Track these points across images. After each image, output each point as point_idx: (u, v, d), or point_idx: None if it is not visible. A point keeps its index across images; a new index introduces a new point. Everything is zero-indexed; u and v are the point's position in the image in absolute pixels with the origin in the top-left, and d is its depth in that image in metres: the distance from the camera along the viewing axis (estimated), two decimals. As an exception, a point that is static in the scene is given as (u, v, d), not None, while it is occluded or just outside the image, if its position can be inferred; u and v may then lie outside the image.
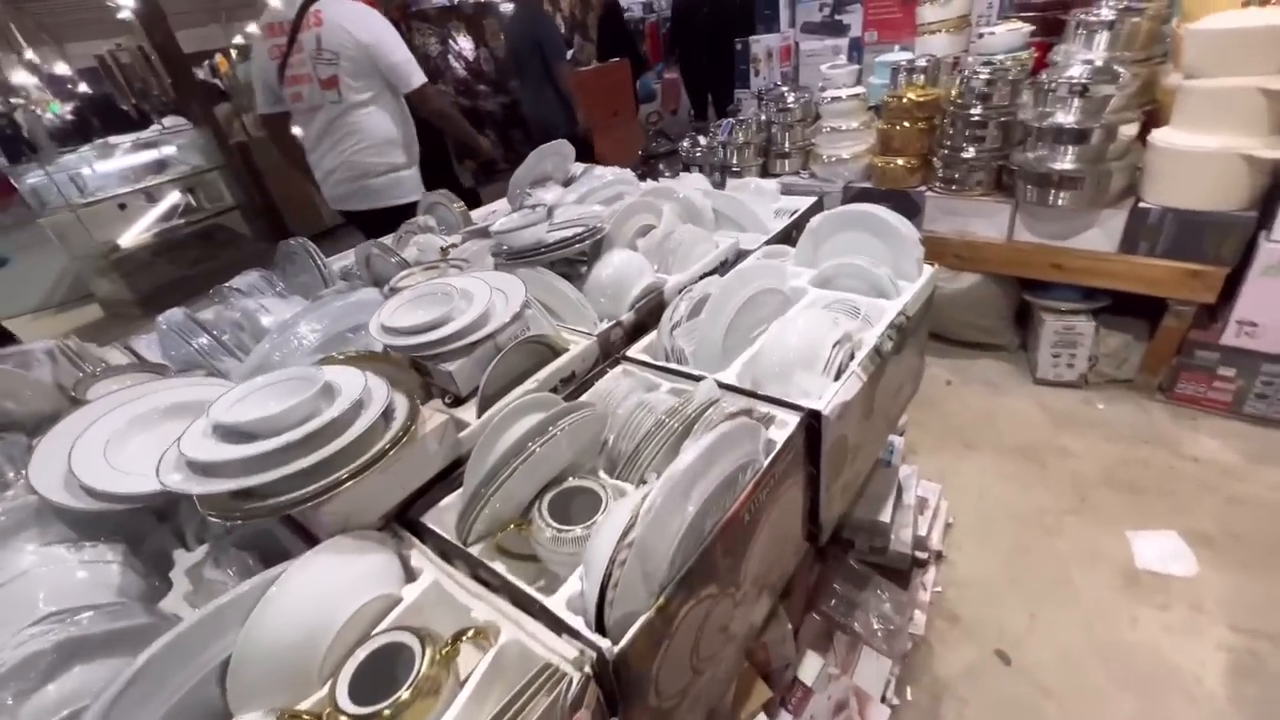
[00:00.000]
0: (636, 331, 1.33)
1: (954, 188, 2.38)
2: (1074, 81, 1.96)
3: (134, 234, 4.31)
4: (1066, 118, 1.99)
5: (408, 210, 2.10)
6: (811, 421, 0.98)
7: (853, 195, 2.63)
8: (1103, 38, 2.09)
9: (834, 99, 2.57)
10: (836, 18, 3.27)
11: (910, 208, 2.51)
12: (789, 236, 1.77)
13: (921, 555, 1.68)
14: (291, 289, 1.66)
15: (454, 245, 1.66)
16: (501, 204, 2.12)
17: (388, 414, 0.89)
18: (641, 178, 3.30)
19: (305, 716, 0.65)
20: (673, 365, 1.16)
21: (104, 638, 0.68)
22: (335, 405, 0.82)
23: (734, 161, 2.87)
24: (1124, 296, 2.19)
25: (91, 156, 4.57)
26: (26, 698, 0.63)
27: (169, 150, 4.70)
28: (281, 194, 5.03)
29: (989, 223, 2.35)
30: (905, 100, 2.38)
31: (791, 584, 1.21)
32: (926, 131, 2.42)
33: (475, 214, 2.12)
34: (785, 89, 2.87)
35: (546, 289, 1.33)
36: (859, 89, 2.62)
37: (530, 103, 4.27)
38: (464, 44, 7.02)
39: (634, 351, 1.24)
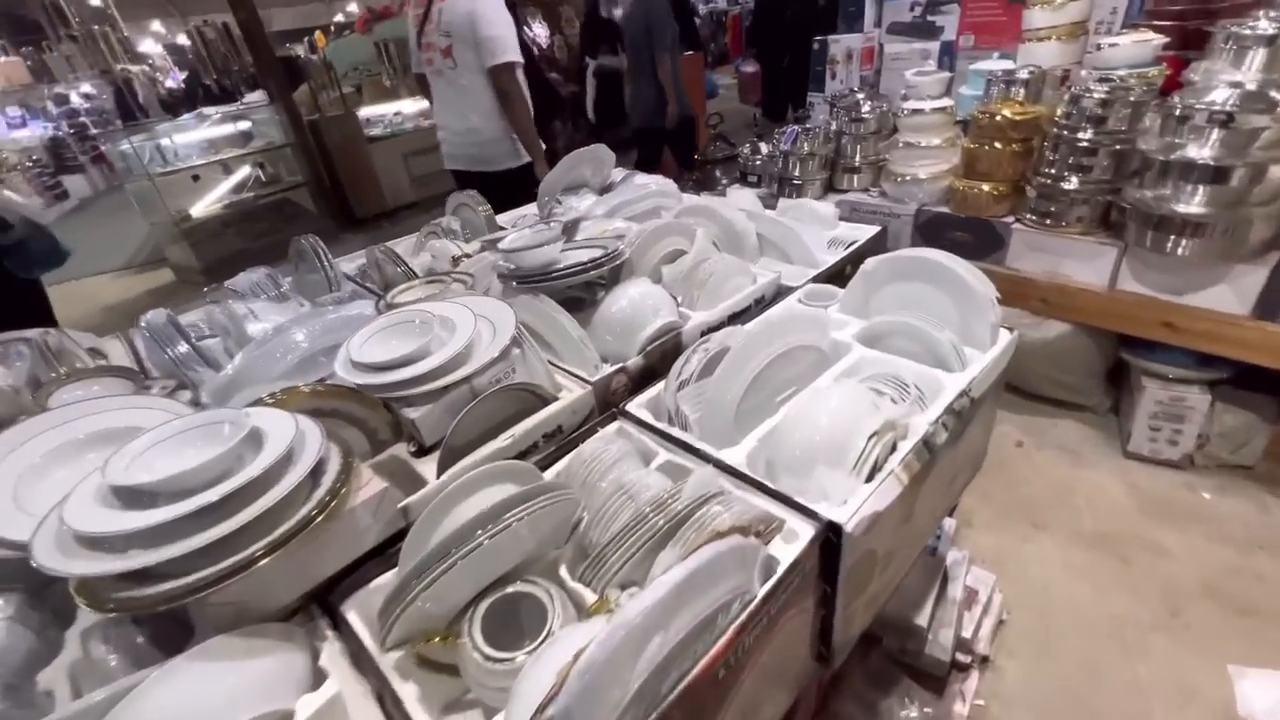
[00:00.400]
0: (646, 378, 1.16)
1: (1048, 222, 2.06)
2: (1216, 108, 1.61)
3: (205, 204, 4.49)
4: (1202, 151, 1.65)
5: (514, 175, 2.42)
6: (830, 536, 0.78)
7: (926, 220, 2.34)
8: (1257, 56, 1.72)
9: (914, 111, 2.28)
10: (929, 18, 2.94)
11: (992, 240, 2.20)
12: (842, 272, 1.54)
13: (964, 659, 1.43)
14: (301, 287, 1.58)
15: (466, 256, 1.53)
16: (532, 209, 1.99)
17: (317, 472, 0.76)
18: (696, 184, 3.12)
19: None
20: (674, 432, 0.98)
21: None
22: (243, 472, 0.69)
23: (795, 173, 2.62)
24: (1251, 369, 1.82)
25: (174, 128, 4.79)
26: None
27: (244, 125, 4.88)
28: (347, 173, 5.12)
29: (1087, 266, 2.02)
30: (999, 117, 2.08)
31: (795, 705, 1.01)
32: (1021, 155, 2.10)
33: (504, 217, 2.00)
34: (861, 96, 2.59)
35: (546, 322, 1.17)
36: (945, 101, 2.31)
37: (631, 93, 4.16)
38: (539, 30, 6.95)
39: (637, 404, 1.06)
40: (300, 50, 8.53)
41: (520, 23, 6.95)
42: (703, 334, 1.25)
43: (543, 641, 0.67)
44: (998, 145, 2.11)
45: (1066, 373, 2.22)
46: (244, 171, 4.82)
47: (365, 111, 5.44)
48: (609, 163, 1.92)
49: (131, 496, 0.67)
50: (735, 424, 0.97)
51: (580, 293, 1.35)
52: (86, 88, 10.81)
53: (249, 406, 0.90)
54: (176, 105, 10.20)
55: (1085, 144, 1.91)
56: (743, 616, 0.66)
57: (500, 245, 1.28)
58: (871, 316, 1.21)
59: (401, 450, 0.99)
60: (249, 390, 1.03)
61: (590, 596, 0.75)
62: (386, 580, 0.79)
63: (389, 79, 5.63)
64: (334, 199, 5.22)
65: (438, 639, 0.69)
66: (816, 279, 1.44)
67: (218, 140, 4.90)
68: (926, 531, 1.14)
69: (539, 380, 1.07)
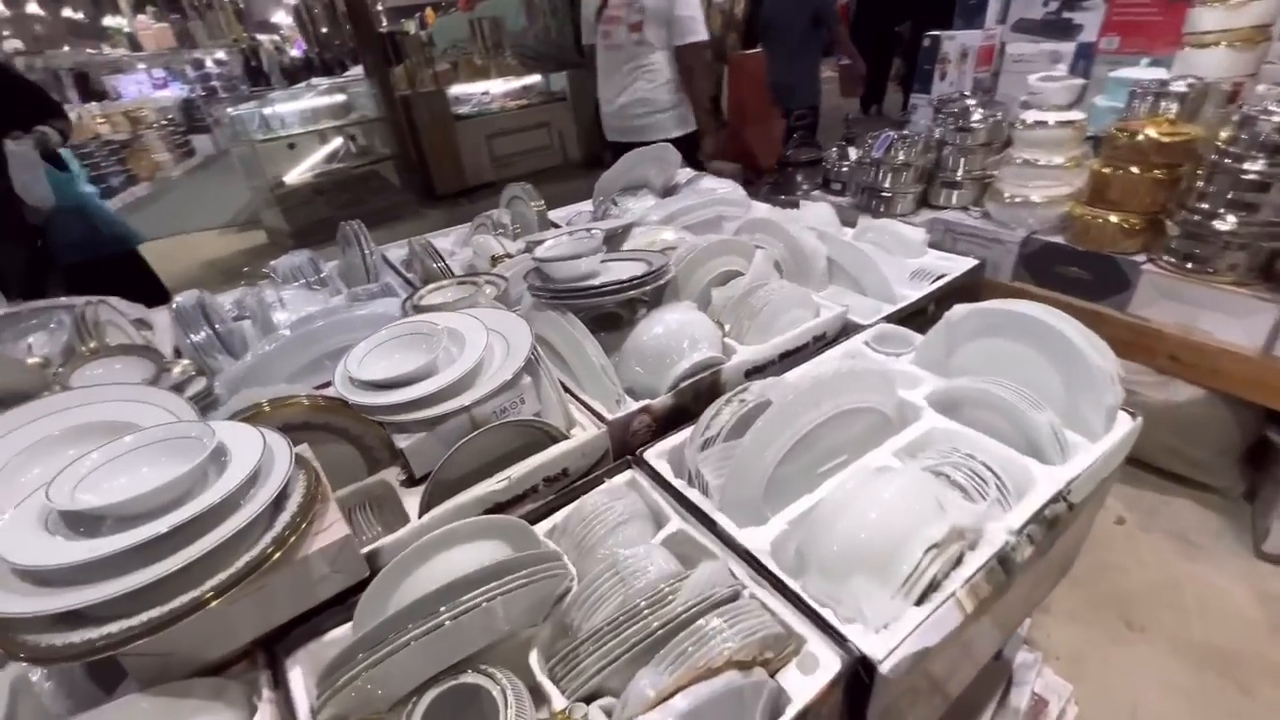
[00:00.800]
0: (676, 419, 1.02)
1: (1190, 266, 1.73)
2: None
3: (299, 172, 4.72)
4: None
5: (684, 142, 2.46)
6: (860, 671, 0.62)
7: (1035, 250, 2.04)
8: None
9: (1036, 123, 1.98)
10: (1065, 15, 2.56)
11: (1115, 280, 1.88)
12: (924, 311, 1.33)
13: (1021, 782, 1.21)
14: (346, 270, 1.55)
15: (508, 256, 1.44)
16: (589, 206, 1.87)
17: (277, 506, 0.69)
18: (773, 187, 2.90)
19: None
20: (692, 495, 0.84)
21: None
22: (188, 505, 0.61)
23: (885, 184, 2.36)
24: None
25: (285, 96, 5.05)
26: None
27: (341, 98, 5.08)
28: (432, 149, 5.23)
29: (1236, 324, 1.68)
30: (1141, 136, 1.75)
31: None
32: (1164, 183, 1.77)
33: (560, 213, 1.90)
34: (972, 101, 2.29)
35: (569, 343, 1.06)
36: (1075, 114, 1.99)
37: (780, 70, 4.06)
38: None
39: (657, 453, 0.93)
40: (411, 25, 8.84)
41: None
42: (747, 374, 1.10)
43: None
44: (1135, 170, 1.79)
45: (1193, 445, 1.87)
46: (336, 142, 5.02)
47: (456, 89, 5.53)
48: (674, 163, 1.78)
49: (71, 520, 0.62)
50: (764, 498, 0.82)
51: (619, 309, 1.23)
52: (220, 54, 11.73)
53: (235, 416, 0.85)
54: (297, 74, 10.90)
55: (1254, 177, 1.57)
56: (729, 779, 0.52)
57: (535, 254, 1.17)
58: (952, 375, 1.01)
59: (394, 475, 0.91)
60: (258, 388, 0.98)
61: (557, 698, 0.63)
62: (342, 634, 0.71)
63: (480, 58, 5.69)
64: (418, 174, 5.35)
65: (371, 730, 0.60)
66: (891, 318, 1.25)
67: (318, 111, 5.13)
68: (990, 648, 0.95)
69: (551, 413, 0.96)
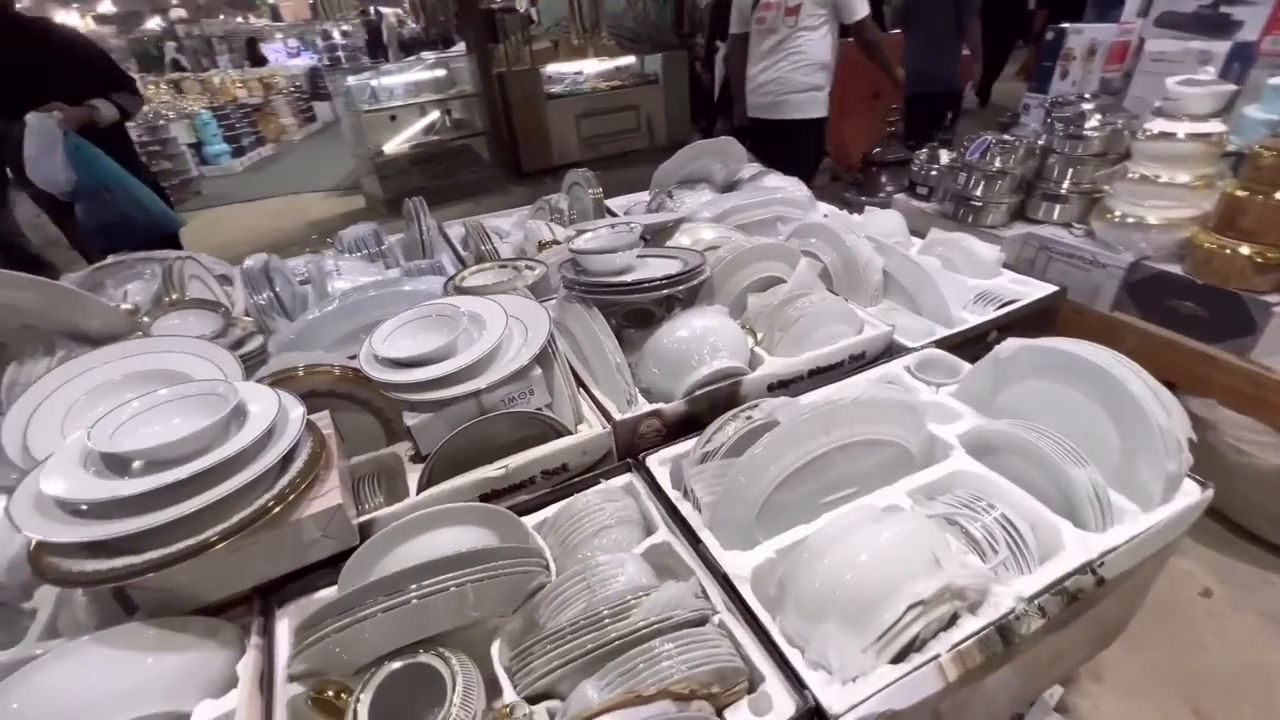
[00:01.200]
0: (688, 425, 1.00)
1: (1337, 314, 1.47)
2: None
3: (396, 142, 4.99)
4: None
5: (814, 125, 2.68)
6: (814, 723, 0.59)
7: (1143, 279, 1.81)
8: None
9: (1161, 134, 1.74)
10: (1224, 10, 2.23)
11: (1238, 321, 1.64)
12: (984, 338, 1.22)
13: None
14: (408, 243, 1.63)
15: (555, 243, 1.45)
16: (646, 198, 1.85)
17: (284, 466, 0.74)
18: (856, 187, 2.75)
19: None
20: (683, 508, 0.82)
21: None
22: (204, 457, 0.67)
23: (976, 192, 2.17)
24: None
25: (398, 68, 5.34)
26: None
27: (442, 73, 5.30)
28: (522, 127, 5.36)
29: (1386, 387, 1.42)
30: (1293, 158, 1.50)
31: None
32: (1315, 214, 1.51)
33: (617, 202, 1.89)
34: (1089, 105, 2.05)
35: (589, 338, 1.06)
36: (1214, 125, 1.73)
37: (917, 52, 3.89)
38: None
39: (660, 459, 0.91)
40: (522, 2, 9.07)
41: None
42: (770, 387, 1.06)
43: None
44: (1279, 195, 1.54)
45: (1308, 520, 1.62)
46: (434, 116, 5.25)
47: (552, 68, 5.62)
48: (737, 158, 1.72)
49: (107, 460, 0.69)
50: (758, 522, 0.79)
51: (653, 306, 1.21)
52: (347, 26, 12.55)
53: (270, 377, 0.91)
54: (413, 48, 11.50)
55: None
56: (648, 808, 0.51)
57: (571, 244, 1.17)
58: (996, 415, 0.92)
59: (405, 450, 0.95)
60: (299, 353, 1.05)
61: (509, 693, 0.64)
62: (329, 595, 0.76)
63: (577, 38, 5.74)
64: (507, 150, 5.51)
65: (331, 691, 0.63)
66: (944, 342, 1.15)
67: (421, 84, 5.38)
68: (999, 712, 0.86)
69: (560, 406, 0.97)
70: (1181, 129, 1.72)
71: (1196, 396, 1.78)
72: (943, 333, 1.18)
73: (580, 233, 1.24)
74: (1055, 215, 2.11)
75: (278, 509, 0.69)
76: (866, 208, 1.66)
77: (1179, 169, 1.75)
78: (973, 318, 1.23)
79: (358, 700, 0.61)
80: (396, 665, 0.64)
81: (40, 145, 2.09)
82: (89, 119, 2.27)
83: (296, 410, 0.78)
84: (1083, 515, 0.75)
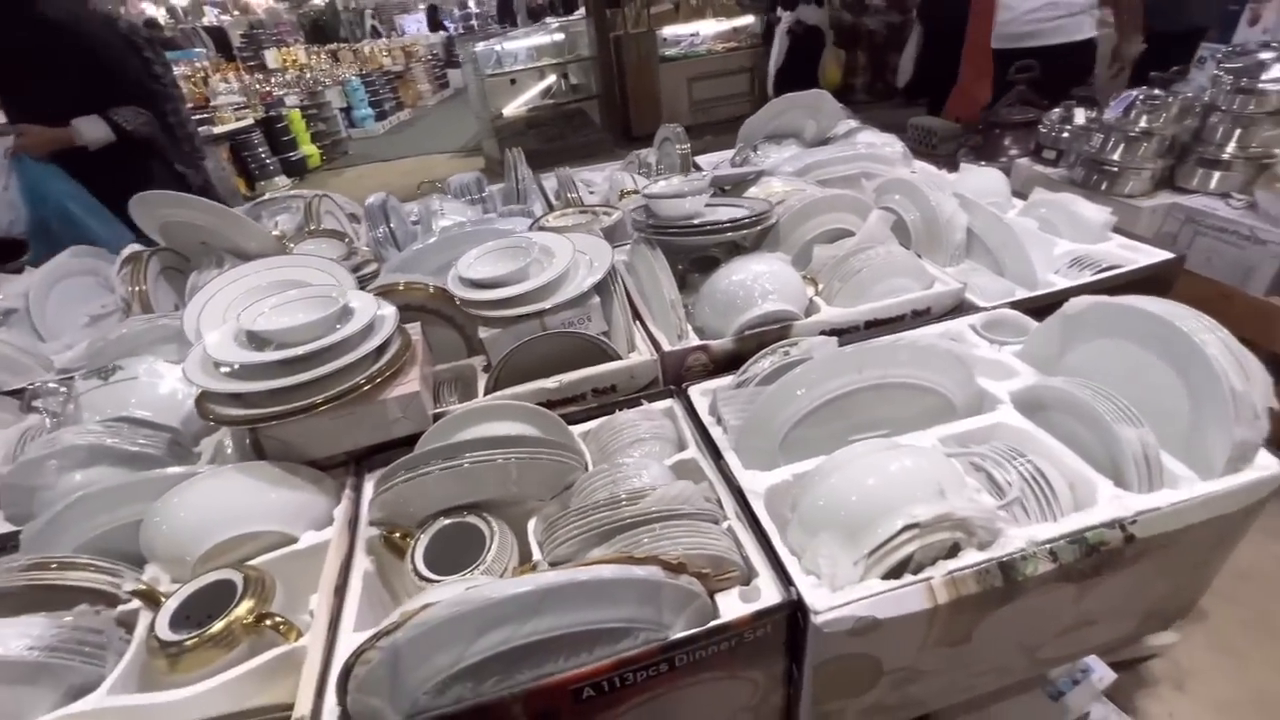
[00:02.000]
0: (734, 362, 1.05)
1: None
2: None
3: (514, 106, 5.25)
4: None
5: (1081, 47, 2.50)
6: (796, 615, 0.64)
7: (1309, 258, 1.56)
8: None
9: (1356, 87, 1.46)
10: None
11: None
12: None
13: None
14: (507, 193, 1.78)
15: (634, 192, 1.53)
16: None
17: (378, 354, 0.89)
18: (974, 151, 2.53)
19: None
20: (713, 430, 0.88)
21: (121, 455, 0.87)
22: (312, 343, 0.83)
23: (1114, 156, 1.93)
24: None
25: (517, 34, 5.59)
26: (64, 472, 0.85)
27: (561, 37, 5.47)
28: (634, 90, 5.42)
29: None
30: None
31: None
32: None
33: (706, 159, 1.92)
34: (1270, 54, 1.76)
35: (650, 276, 1.13)
36: None
37: None
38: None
39: (702, 388, 0.98)
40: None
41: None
42: (823, 333, 1.07)
43: (459, 575, 0.70)
44: None
45: None
46: (550, 79, 5.46)
47: (669, 30, 5.60)
48: (831, 112, 1.67)
49: (250, 338, 0.88)
50: (782, 451, 0.83)
51: (720, 252, 1.26)
52: (481, -4, 13.17)
53: (377, 288, 1.08)
54: (541, 14, 11.90)
55: None
56: (631, 653, 0.60)
57: (644, 190, 1.24)
58: (1060, 374, 0.88)
59: (480, 363, 1.08)
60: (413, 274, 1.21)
61: (536, 554, 0.75)
62: (409, 464, 0.91)
63: (696, -2, 5.66)
64: (619, 114, 5.61)
65: (399, 534, 0.78)
66: (1023, 305, 1.09)
67: (542, 49, 5.61)
68: (1012, 667, 0.85)
69: (616, 334, 1.06)
70: (1386, 79, 1.43)
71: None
72: (1023, 294, 1.12)
73: (655, 182, 1.30)
74: (1213, 184, 1.85)
75: (368, 387, 0.84)
76: (963, 165, 1.56)
77: (1377, 129, 1.46)
78: (1063, 281, 1.15)
79: (416, 542, 0.75)
80: (448, 521, 0.77)
81: None
82: (68, 142, 1.79)
83: (390, 314, 0.93)
84: (1126, 475, 0.72)
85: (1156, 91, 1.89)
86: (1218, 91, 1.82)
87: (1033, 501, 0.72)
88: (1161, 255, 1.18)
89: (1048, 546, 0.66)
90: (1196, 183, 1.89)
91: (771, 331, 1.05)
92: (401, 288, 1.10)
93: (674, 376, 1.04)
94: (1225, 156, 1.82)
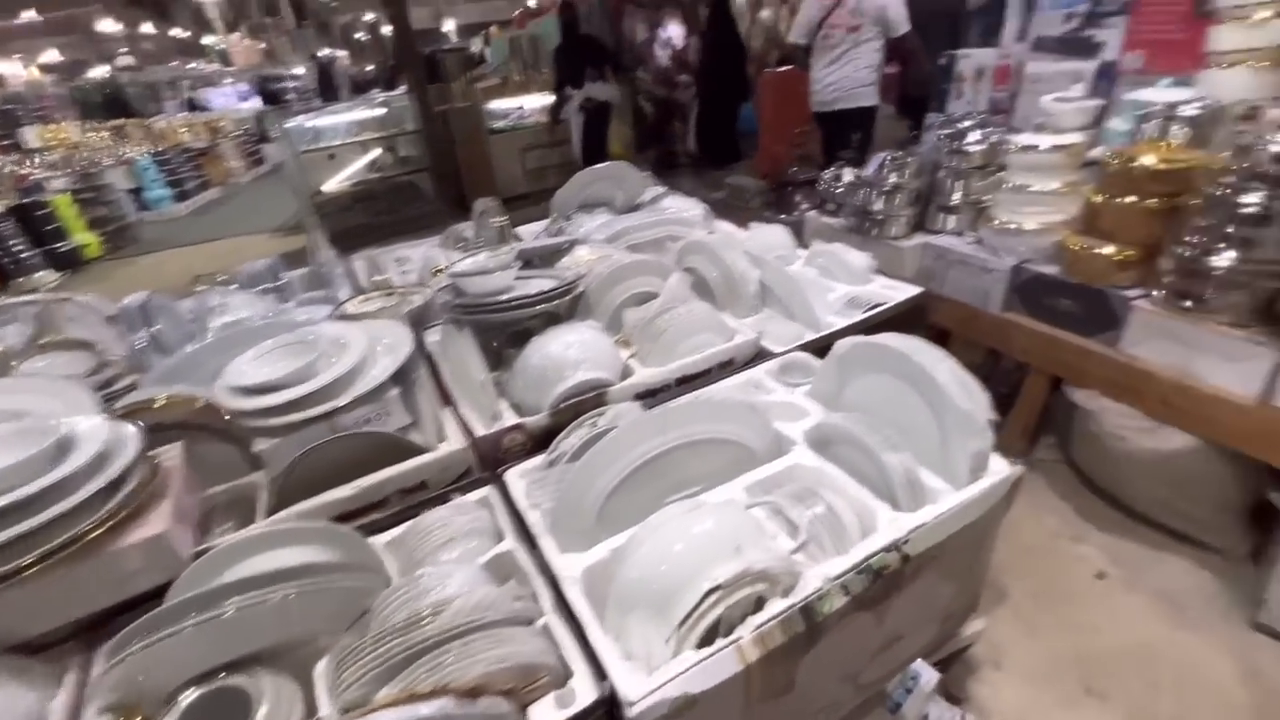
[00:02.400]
0: (554, 437, 1.02)
1: (1186, 304, 1.58)
2: None
3: (336, 181, 5.01)
4: None
5: (867, 112, 3.36)
6: (611, 711, 0.61)
7: (1025, 280, 1.92)
8: None
9: (1026, 147, 1.87)
10: (1086, 33, 2.43)
11: (1104, 316, 1.75)
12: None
13: None
14: (313, 277, 1.64)
15: (443, 270, 1.48)
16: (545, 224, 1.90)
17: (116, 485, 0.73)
18: (772, 207, 2.87)
19: None
20: (529, 518, 0.84)
21: None
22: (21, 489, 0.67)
23: (877, 207, 2.29)
24: None
25: (336, 110, 5.38)
26: None
27: (384, 111, 5.37)
28: (466, 162, 5.44)
29: (1231, 369, 1.52)
30: (1136, 164, 1.63)
31: None
32: (1160, 214, 1.63)
33: (526, 229, 1.94)
34: (969, 123, 2.20)
35: (457, 358, 1.08)
36: (1073, 137, 1.87)
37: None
38: (674, 31, 6.88)
39: (518, 472, 0.93)
40: (478, 43, 9.29)
41: (656, 24, 6.96)
42: (638, 396, 1.09)
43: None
44: (1129, 199, 1.67)
45: (1187, 500, 1.71)
46: (375, 153, 5.30)
47: (495, 104, 5.74)
48: (635, 181, 1.79)
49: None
50: (602, 524, 0.81)
51: (537, 325, 1.24)
52: (298, 69, 12.60)
53: (125, 409, 0.91)
54: (366, 88, 11.61)
55: (1252, 210, 1.44)
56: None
57: (450, 269, 1.20)
58: (843, 409, 0.97)
59: (264, 478, 0.95)
60: (157, 387, 1.04)
61: (324, 707, 0.65)
62: (163, 624, 0.75)
63: (519, 74, 5.89)
64: (452, 185, 5.57)
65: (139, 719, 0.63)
66: (812, 346, 1.20)
67: (363, 123, 5.45)
68: (841, 699, 0.89)
69: (424, 424, 0.99)
70: (1044, 141, 1.85)
71: (1082, 388, 1.88)
72: (810, 336, 1.24)
73: (463, 259, 1.28)
74: (949, 225, 2.24)
75: (97, 534, 0.69)
76: (752, 224, 1.74)
77: (1047, 178, 1.88)
78: (841, 321, 1.29)
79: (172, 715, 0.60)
80: (199, 693, 0.63)
81: None
82: None
83: (130, 440, 0.78)
84: (898, 496, 0.79)
85: (899, 152, 2.28)
86: (943, 152, 2.24)
87: (826, 538, 0.76)
88: (914, 290, 1.39)
89: (840, 581, 0.70)
90: (939, 225, 2.27)
91: (588, 401, 1.04)
92: (159, 404, 0.94)
93: (492, 461, 0.99)
94: (954, 203, 2.22)
